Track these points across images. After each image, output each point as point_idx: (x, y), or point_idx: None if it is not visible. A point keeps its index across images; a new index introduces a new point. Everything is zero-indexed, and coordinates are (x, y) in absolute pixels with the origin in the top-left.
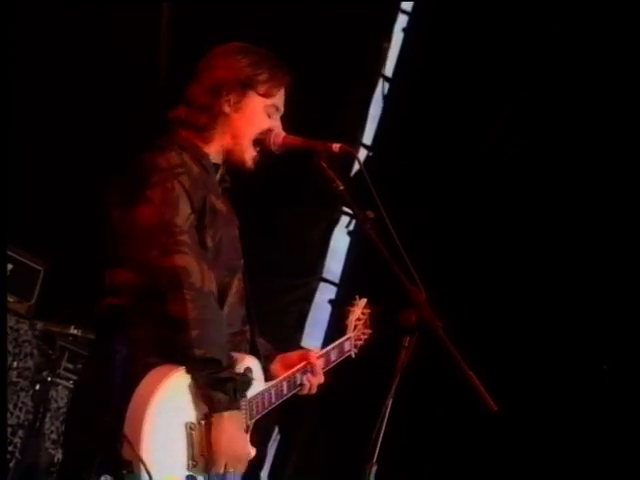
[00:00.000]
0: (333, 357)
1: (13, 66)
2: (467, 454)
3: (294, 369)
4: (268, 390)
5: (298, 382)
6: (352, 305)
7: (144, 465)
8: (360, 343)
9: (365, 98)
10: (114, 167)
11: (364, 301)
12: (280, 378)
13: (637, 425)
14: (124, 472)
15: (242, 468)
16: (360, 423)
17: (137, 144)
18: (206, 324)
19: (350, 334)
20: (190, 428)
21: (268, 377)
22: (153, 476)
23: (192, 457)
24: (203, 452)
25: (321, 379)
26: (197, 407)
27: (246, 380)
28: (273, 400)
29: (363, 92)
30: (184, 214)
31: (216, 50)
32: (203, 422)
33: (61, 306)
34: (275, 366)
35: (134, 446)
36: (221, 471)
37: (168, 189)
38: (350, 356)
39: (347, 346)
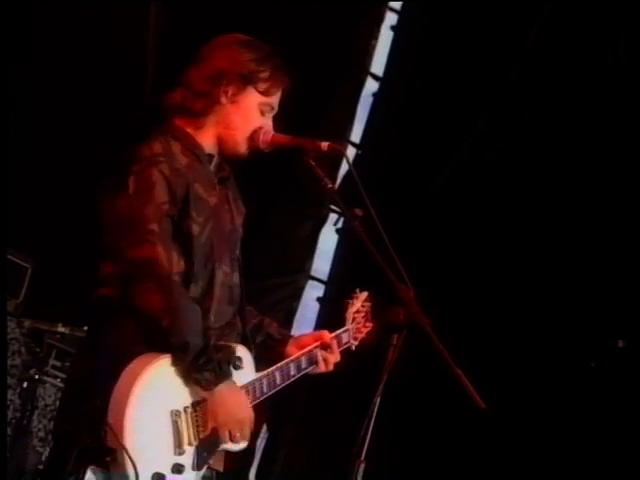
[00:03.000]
0: (344, 339)
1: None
2: (455, 451)
3: (305, 350)
4: (259, 379)
5: (303, 365)
6: (352, 298)
7: (127, 452)
8: (360, 336)
9: (353, 96)
10: (100, 165)
11: (365, 294)
12: (272, 368)
13: (628, 422)
14: (108, 460)
15: (248, 431)
16: (348, 421)
17: (123, 142)
18: (176, 311)
19: (348, 326)
20: (175, 415)
21: (282, 360)
22: (137, 464)
23: (178, 445)
24: (190, 441)
25: (337, 357)
26: (182, 394)
27: (227, 351)
28: (265, 390)
29: (351, 90)
30: (157, 202)
31: (222, 39)
32: (189, 410)
33: (49, 304)
34: (290, 348)
35: (117, 434)
36: (227, 441)
37: (144, 178)
38: (350, 348)
39: (345, 338)
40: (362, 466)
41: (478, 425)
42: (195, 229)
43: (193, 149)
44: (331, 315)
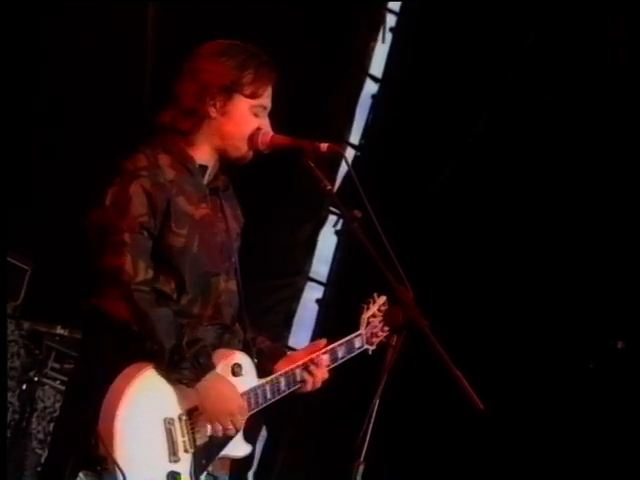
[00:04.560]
0: (340, 354)
1: None
2: (454, 452)
3: (293, 365)
4: (262, 386)
5: (298, 379)
6: (368, 302)
7: (115, 462)
8: (377, 340)
9: (352, 98)
10: (99, 167)
11: (383, 298)
12: (277, 374)
13: (624, 423)
14: (99, 469)
15: (239, 421)
16: (347, 422)
17: (121, 144)
18: (143, 317)
19: (362, 331)
20: (169, 423)
21: (268, 374)
22: (129, 472)
23: (173, 453)
24: (186, 448)
25: (325, 374)
26: (175, 402)
27: (200, 345)
28: (268, 396)
29: (350, 92)
30: (133, 215)
31: (201, 50)
32: (184, 417)
33: (48, 306)
34: (280, 366)
35: (106, 444)
36: (221, 433)
37: (122, 190)
38: (366, 352)
39: (358, 343)
40: (361, 467)
41: (477, 426)
42: (178, 241)
43: (184, 162)
44: (330, 317)
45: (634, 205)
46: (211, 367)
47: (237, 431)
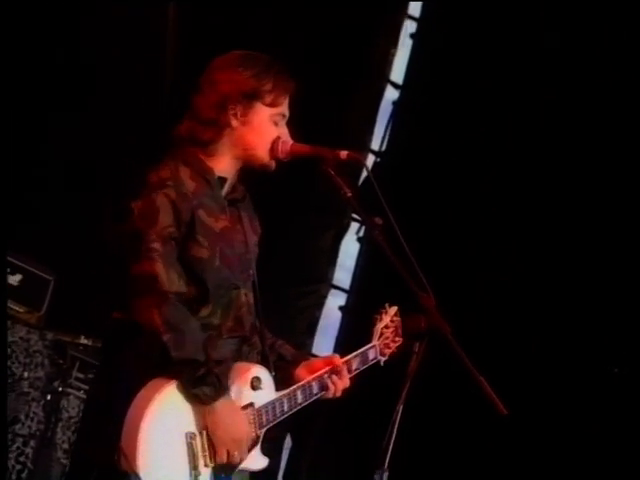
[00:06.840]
0: (355, 365)
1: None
2: (478, 458)
3: (315, 375)
4: (280, 399)
5: (315, 391)
6: (380, 313)
7: (139, 478)
8: (389, 351)
9: (372, 104)
10: (123, 178)
11: (394, 309)
12: (294, 387)
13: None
14: None
15: (244, 451)
16: (371, 429)
17: (142, 153)
18: (176, 327)
19: (375, 342)
20: (190, 438)
21: (291, 382)
22: None
23: (195, 467)
24: (207, 462)
25: (346, 383)
26: (197, 417)
27: (225, 366)
28: (285, 409)
29: (370, 98)
30: (162, 224)
31: (217, 62)
32: (204, 432)
33: (71, 316)
34: (300, 371)
35: (129, 458)
36: (225, 460)
37: (150, 201)
38: (378, 363)
39: (371, 354)
40: (386, 475)
41: (501, 432)
42: (204, 253)
43: (203, 174)
44: (353, 324)
45: (634, 203)
46: (227, 390)
47: (241, 461)
